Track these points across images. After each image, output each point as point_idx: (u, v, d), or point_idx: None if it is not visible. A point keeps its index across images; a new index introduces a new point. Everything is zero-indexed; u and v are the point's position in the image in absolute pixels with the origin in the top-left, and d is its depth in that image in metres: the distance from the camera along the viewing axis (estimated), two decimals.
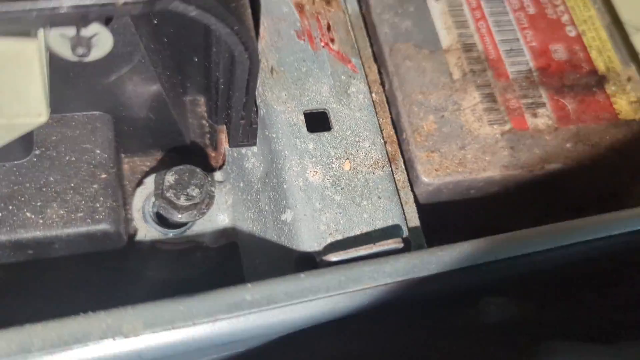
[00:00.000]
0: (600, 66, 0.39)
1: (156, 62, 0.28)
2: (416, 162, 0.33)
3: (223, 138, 0.35)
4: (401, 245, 0.28)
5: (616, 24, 0.41)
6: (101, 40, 0.22)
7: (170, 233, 0.33)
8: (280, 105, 0.31)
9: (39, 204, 0.29)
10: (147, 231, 0.33)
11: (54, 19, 0.20)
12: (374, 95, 0.34)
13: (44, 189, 0.29)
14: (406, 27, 0.37)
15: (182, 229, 0.33)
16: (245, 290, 0.24)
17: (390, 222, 0.30)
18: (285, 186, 0.30)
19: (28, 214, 0.28)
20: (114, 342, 0.22)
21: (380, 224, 0.30)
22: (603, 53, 0.40)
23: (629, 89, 0.38)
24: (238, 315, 0.23)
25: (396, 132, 0.34)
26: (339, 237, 0.29)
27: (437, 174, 0.33)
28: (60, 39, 0.21)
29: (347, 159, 0.31)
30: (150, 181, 0.33)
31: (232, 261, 0.33)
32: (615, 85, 0.38)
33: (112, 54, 0.24)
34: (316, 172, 0.30)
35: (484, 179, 0.34)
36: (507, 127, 0.35)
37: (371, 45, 0.36)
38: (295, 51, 0.33)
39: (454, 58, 0.37)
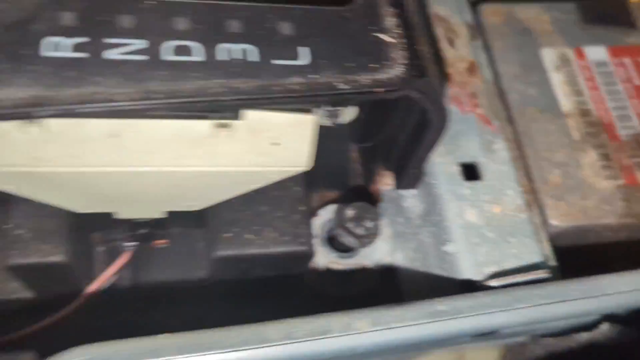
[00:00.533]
0: None
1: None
2: (547, 208, 0.40)
3: (380, 179, 0.42)
4: (548, 275, 0.35)
5: None
6: (347, 113, 0.30)
7: (342, 256, 0.41)
8: (439, 157, 0.39)
9: (255, 227, 0.37)
10: (322, 254, 0.40)
11: (333, 100, 0.28)
12: (510, 151, 0.41)
13: (259, 217, 0.37)
14: (531, 94, 0.45)
15: (351, 253, 0.41)
16: (436, 303, 0.31)
17: (534, 257, 0.37)
18: (446, 224, 0.37)
19: (249, 236, 0.36)
20: (345, 337, 0.29)
21: (526, 258, 0.36)
22: None
23: None
24: (434, 321, 0.30)
25: (530, 183, 0.41)
26: (494, 268, 0.36)
27: (563, 219, 0.40)
28: (322, 112, 0.29)
29: (496, 203, 0.38)
30: (323, 213, 0.41)
31: (390, 282, 0.41)
32: None
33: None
34: (472, 213, 0.38)
35: (602, 226, 0.41)
36: (620, 182, 0.42)
37: (505, 109, 0.43)
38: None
39: (573, 121, 0.44)
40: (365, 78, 0.28)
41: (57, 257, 0.33)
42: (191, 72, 0.25)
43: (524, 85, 0.45)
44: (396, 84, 0.28)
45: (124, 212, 0.33)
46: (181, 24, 0.26)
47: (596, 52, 0.48)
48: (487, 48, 0.46)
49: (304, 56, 0.27)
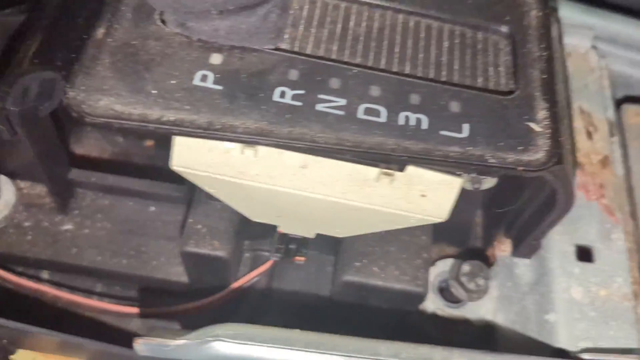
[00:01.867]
0: None
1: None
2: None
3: (498, 245, 0.47)
4: None
5: None
6: (488, 182, 0.36)
7: (449, 306, 0.45)
8: (557, 235, 0.43)
9: (382, 263, 0.42)
10: (432, 301, 0.45)
11: (480, 170, 0.33)
12: (628, 243, 0.44)
13: (387, 255, 0.42)
14: None
15: (458, 304, 0.45)
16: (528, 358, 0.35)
17: (630, 342, 0.40)
18: (552, 295, 0.41)
19: (375, 269, 0.42)
20: None
21: (622, 341, 0.40)
22: None
23: None
24: None
25: None
26: (589, 344, 0.39)
27: None
28: (468, 177, 0.35)
29: (603, 287, 0.42)
30: (441, 264, 0.46)
31: (487, 338, 0.45)
32: None
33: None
34: (578, 291, 0.41)
35: None
36: None
37: (630, 205, 0.47)
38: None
39: None
40: (511, 156, 0.33)
41: (222, 253, 0.40)
42: (375, 129, 0.32)
43: None
44: (536, 166, 0.33)
45: (285, 227, 0.40)
46: (374, 90, 0.33)
47: None
48: (624, 146, 0.49)
49: (465, 131, 0.33)
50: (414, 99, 0.34)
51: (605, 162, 0.47)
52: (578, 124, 0.48)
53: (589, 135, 0.48)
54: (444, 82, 0.34)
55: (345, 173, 0.34)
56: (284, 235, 0.42)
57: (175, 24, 0.34)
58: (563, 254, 0.43)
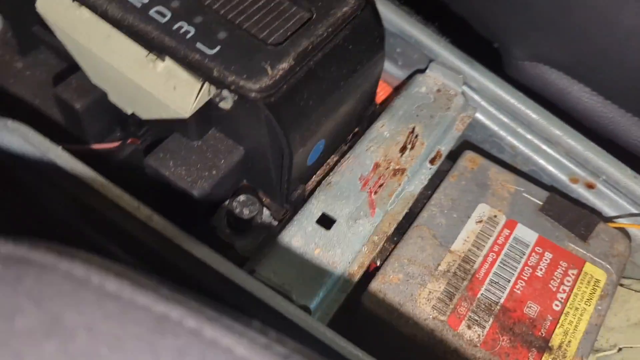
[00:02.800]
0: (555, 342, 0.47)
1: None
2: None
3: None
4: None
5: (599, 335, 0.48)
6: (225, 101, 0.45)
7: (227, 228, 0.54)
8: (315, 199, 0.50)
9: (179, 162, 0.53)
10: (217, 218, 0.54)
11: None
12: (373, 235, 0.49)
13: (187, 159, 0.53)
14: (440, 222, 0.52)
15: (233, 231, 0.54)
16: None
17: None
18: (279, 237, 0.48)
19: (170, 163, 0.52)
20: None
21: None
22: (568, 337, 0.47)
23: None
24: None
25: None
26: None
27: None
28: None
29: (320, 248, 0.48)
30: (242, 196, 0.55)
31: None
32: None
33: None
34: (297, 241, 0.48)
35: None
36: (442, 318, 0.47)
37: (404, 216, 0.52)
38: (350, 184, 0.51)
39: (450, 258, 0.50)
40: (233, 78, 0.43)
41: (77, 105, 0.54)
42: (151, 23, 0.44)
43: (440, 216, 0.53)
44: (248, 90, 0.42)
45: (113, 98, 0.53)
46: (175, 3, 0.45)
47: (526, 233, 0.52)
48: (440, 176, 0.55)
49: (214, 50, 0.43)
50: (197, 19, 0.45)
51: (398, 172, 0.52)
52: (401, 138, 0.54)
53: (403, 150, 0.54)
54: (230, 21, 0.45)
55: (132, 51, 0.46)
56: (134, 119, 0.55)
57: None
58: (310, 212, 0.49)
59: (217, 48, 0.44)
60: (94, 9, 0.45)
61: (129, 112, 0.52)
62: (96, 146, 0.56)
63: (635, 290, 0.57)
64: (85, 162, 0.47)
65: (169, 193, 0.51)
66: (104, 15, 0.44)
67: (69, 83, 0.54)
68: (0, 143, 0.47)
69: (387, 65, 0.64)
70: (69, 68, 0.55)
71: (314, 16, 0.47)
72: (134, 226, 0.43)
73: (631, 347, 0.53)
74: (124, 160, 0.56)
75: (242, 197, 0.52)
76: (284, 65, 0.44)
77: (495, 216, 0.53)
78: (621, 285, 0.57)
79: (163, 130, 0.52)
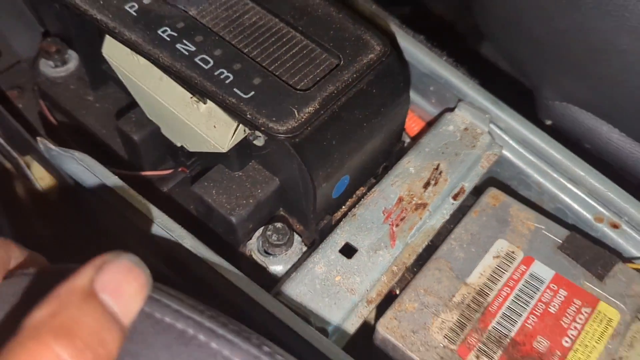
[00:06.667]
0: None
1: None
2: None
3: None
4: None
5: None
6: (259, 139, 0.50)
7: (261, 252, 0.59)
8: (339, 229, 0.54)
9: (221, 191, 0.58)
10: (253, 243, 0.59)
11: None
12: (393, 266, 0.53)
13: (228, 189, 0.58)
14: (458, 255, 0.55)
15: (268, 255, 0.59)
16: None
17: (324, 323, 0.49)
18: (304, 264, 0.53)
19: (213, 191, 0.58)
20: None
21: (323, 313, 0.49)
22: None
23: None
24: None
25: None
26: (300, 303, 0.50)
27: None
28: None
29: (341, 275, 0.52)
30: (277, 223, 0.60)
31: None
32: None
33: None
34: (321, 267, 0.52)
35: None
36: (452, 347, 0.50)
37: (423, 248, 0.55)
38: (374, 216, 0.55)
39: (465, 290, 0.53)
40: (264, 120, 0.48)
41: (136, 136, 0.61)
42: (196, 69, 0.50)
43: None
44: (276, 132, 0.48)
45: (167, 133, 0.59)
46: (217, 52, 0.51)
47: (542, 269, 0.54)
48: (463, 211, 0.58)
49: (250, 95, 0.49)
50: (236, 66, 0.51)
51: (420, 207, 0.56)
52: (425, 174, 0.58)
53: (427, 185, 0.57)
54: (265, 67, 0.51)
55: (180, 92, 0.52)
56: (183, 150, 0.61)
57: None
58: (334, 241, 0.54)
59: (252, 93, 0.49)
60: (148, 57, 0.51)
61: (179, 144, 0.59)
62: (151, 173, 0.63)
63: None
64: (141, 186, 0.54)
65: (211, 218, 0.57)
66: (156, 63, 0.51)
67: (129, 117, 0.61)
68: (69, 171, 0.54)
69: (422, 102, 0.67)
70: (130, 104, 0.62)
71: (342, 62, 0.52)
72: (169, 244, 0.49)
73: None
74: (174, 186, 0.63)
75: (276, 225, 0.57)
76: (310, 109, 0.49)
77: (513, 252, 0.55)
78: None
79: (208, 161, 0.58)
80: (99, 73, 0.67)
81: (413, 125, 0.68)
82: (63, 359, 0.26)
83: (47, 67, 0.70)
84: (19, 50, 0.77)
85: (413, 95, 0.67)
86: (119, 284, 0.30)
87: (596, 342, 0.50)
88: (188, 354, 0.30)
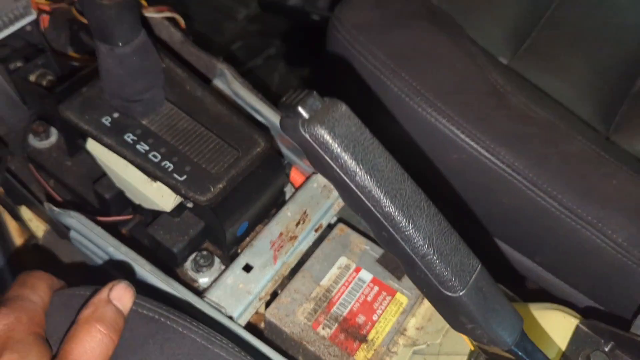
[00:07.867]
0: (370, 337, 0.83)
1: None
2: None
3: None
4: None
5: None
6: (189, 203, 0.83)
7: (194, 270, 0.91)
8: (244, 254, 0.88)
9: (168, 228, 0.90)
10: (188, 265, 0.92)
11: None
12: (274, 280, 0.87)
13: (173, 225, 0.90)
14: (316, 267, 0.89)
15: (199, 273, 0.91)
16: None
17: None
18: (220, 278, 0.86)
19: (161, 230, 0.90)
20: None
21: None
22: (378, 335, 0.84)
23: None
24: None
25: None
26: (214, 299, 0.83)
27: None
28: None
29: (244, 283, 0.85)
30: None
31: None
32: (364, 350, 0.82)
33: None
34: (230, 278, 0.85)
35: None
36: (309, 323, 0.84)
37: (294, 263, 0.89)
38: (264, 245, 0.89)
39: (319, 289, 0.87)
40: (188, 192, 0.81)
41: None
42: (146, 161, 0.82)
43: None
44: (194, 200, 0.81)
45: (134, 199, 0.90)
46: (163, 149, 0.83)
47: (366, 274, 0.89)
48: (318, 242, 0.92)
49: (182, 177, 0.81)
50: (174, 159, 0.83)
51: (293, 238, 0.90)
52: (297, 216, 0.92)
53: (298, 224, 0.91)
54: (193, 160, 0.83)
55: (139, 174, 0.84)
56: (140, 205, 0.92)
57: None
58: (239, 262, 0.87)
59: (184, 176, 0.82)
60: (119, 153, 0.82)
61: (137, 202, 0.91)
62: (117, 218, 0.94)
63: None
64: (108, 227, 0.85)
65: (159, 249, 0.89)
66: (124, 157, 0.82)
67: (102, 181, 0.92)
68: (66, 224, 0.85)
69: (301, 162, 1.01)
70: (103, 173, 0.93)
71: (240, 154, 0.85)
72: (131, 268, 0.81)
73: (428, 344, 0.90)
74: (133, 227, 0.94)
75: (202, 252, 0.90)
76: (220, 185, 0.82)
77: (349, 265, 0.90)
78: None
79: (157, 212, 0.90)
80: (74, 145, 0.97)
81: (297, 178, 1.02)
82: (102, 332, 0.58)
83: (35, 141, 0.99)
84: (9, 123, 1.06)
85: (295, 158, 1.01)
86: (122, 295, 0.62)
87: (392, 316, 0.86)
88: (159, 331, 0.62)
